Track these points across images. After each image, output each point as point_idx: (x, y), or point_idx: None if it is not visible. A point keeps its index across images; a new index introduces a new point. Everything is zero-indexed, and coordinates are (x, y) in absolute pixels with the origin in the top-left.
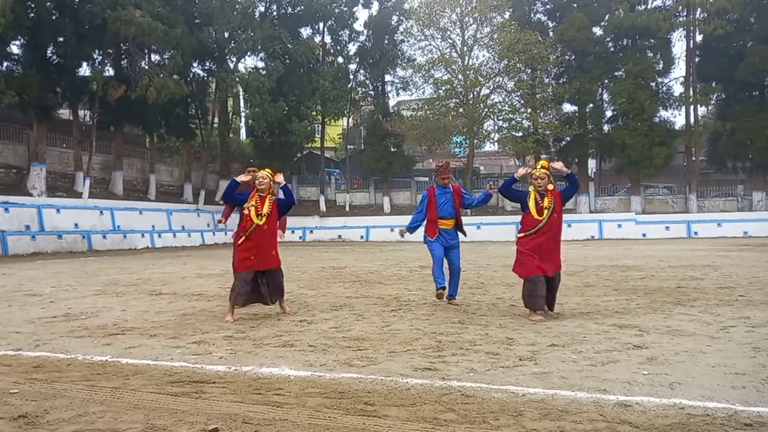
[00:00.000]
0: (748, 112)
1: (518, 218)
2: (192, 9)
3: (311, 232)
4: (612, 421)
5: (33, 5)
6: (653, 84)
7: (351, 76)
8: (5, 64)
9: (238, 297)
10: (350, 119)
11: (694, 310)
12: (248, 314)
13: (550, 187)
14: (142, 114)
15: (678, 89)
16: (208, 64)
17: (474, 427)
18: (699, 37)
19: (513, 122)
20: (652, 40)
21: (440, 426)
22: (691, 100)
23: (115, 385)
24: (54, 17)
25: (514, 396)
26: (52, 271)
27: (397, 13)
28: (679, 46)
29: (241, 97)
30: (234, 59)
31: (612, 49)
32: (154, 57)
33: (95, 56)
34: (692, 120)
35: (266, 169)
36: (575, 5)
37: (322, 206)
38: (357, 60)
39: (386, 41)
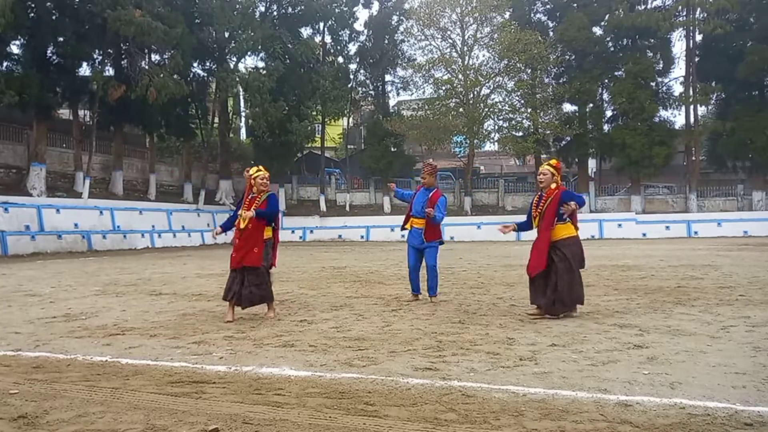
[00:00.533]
0: (747, 111)
1: (518, 218)
2: (192, 9)
3: (311, 232)
4: (613, 420)
5: (33, 5)
6: (653, 84)
7: (351, 76)
8: (5, 63)
9: (226, 292)
10: (350, 119)
11: (695, 310)
12: (248, 314)
13: (553, 186)
14: (142, 114)
15: (678, 89)
16: (208, 63)
17: (475, 427)
18: (699, 37)
19: (513, 122)
20: (652, 40)
21: (441, 426)
22: (690, 99)
23: (115, 386)
24: (54, 17)
25: (514, 396)
26: (51, 272)
27: (398, 13)
28: (678, 45)
29: (241, 96)
30: (234, 59)
31: (612, 48)
32: (155, 57)
33: (95, 56)
34: (692, 120)
35: (260, 167)
36: (575, 5)
37: (323, 206)
38: (357, 60)
39: (386, 41)
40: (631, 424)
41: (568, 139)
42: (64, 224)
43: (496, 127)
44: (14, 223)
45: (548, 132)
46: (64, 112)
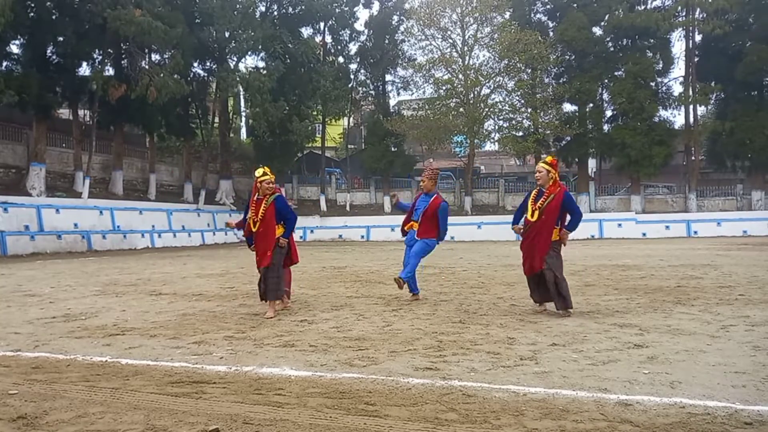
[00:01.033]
0: (747, 111)
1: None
2: (192, 8)
3: (312, 231)
4: (613, 420)
5: (33, 4)
6: (653, 84)
7: (352, 76)
8: (5, 63)
9: (260, 294)
10: (351, 119)
11: (694, 309)
12: (249, 314)
13: (551, 183)
14: (143, 113)
15: (677, 89)
16: (208, 63)
17: (475, 426)
18: (698, 37)
19: (513, 122)
20: (652, 40)
21: (441, 426)
22: (690, 99)
23: (115, 386)
24: (54, 16)
25: (515, 395)
26: (51, 272)
27: (398, 13)
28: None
29: (241, 96)
30: (234, 59)
31: (612, 48)
32: (155, 56)
33: (95, 56)
34: (692, 119)
35: (265, 169)
36: (575, 5)
37: (323, 206)
38: (358, 60)
39: (387, 41)
40: (631, 424)
41: (568, 138)
42: (63, 224)
43: (497, 126)
44: (14, 223)
45: (548, 132)
46: (64, 112)
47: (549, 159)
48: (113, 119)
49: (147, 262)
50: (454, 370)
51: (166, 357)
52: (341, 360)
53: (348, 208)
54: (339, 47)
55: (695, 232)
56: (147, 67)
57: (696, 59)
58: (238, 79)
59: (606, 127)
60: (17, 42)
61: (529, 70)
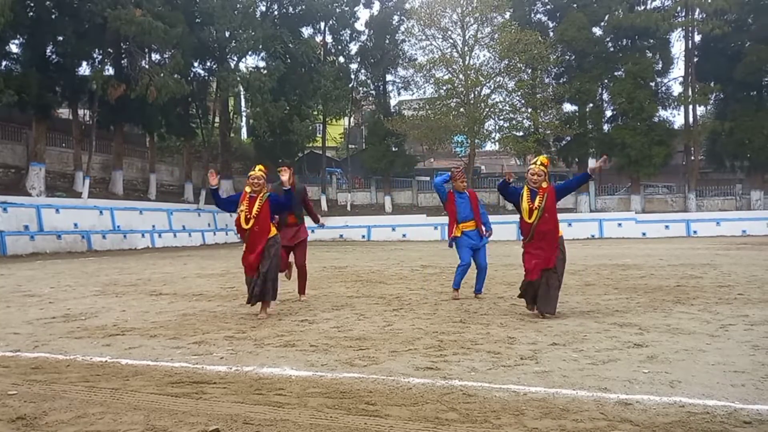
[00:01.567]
0: (746, 111)
1: (518, 217)
2: (193, 8)
3: (312, 231)
4: (613, 419)
5: (32, 4)
6: (652, 84)
7: (352, 76)
8: (4, 63)
9: (250, 299)
10: (351, 119)
11: (694, 309)
12: (249, 314)
13: (544, 185)
14: (143, 113)
15: (677, 89)
16: (208, 63)
17: (476, 426)
18: (698, 38)
19: (514, 122)
20: (651, 40)
21: (442, 425)
22: (690, 99)
23: (115, 386)
24: (54, 16)
25: (515, 395)
26: (51, 272)
27: (398, 13)
28: (677, 46)
29: (242, 96)
30: (235, 58)
31: (612, 49)
32: (155, 56)
33: (95, 55)
34: (691, 119)
35: (258, 166)
36: (575, 5)
37: (324, 206)
38: (358, 59)
39: (387, 41)
40: (631, 423)
41: (568, 138)
42: (63, 224)
43: (497, 126)
44: (13, 223)
45: (548, 132)
46: (64, 112)
47: (545, 160)
48: (113, 119)
49: (147, 262)
50: (454, 369)
51: (166, 357)
52: (342, 360)
53: (349, 207)
54: (339, 47)
55: (695, 232)
56: (147, 66)
57: (695, 59)
58: (238, 78)
59: (606, 127)
60: (17, 41)
61: (530, 70)
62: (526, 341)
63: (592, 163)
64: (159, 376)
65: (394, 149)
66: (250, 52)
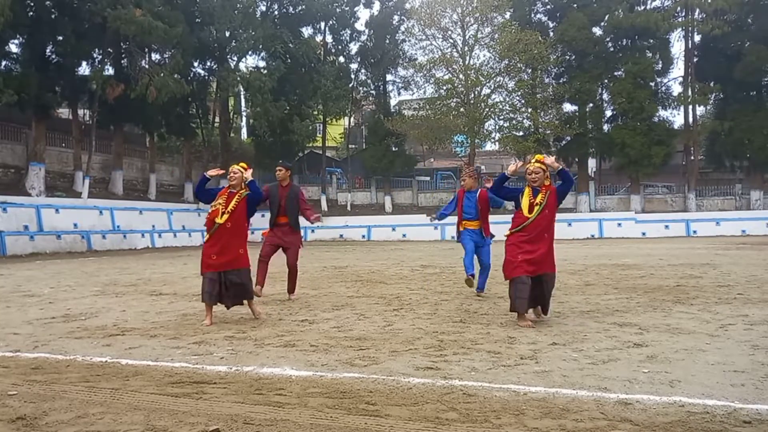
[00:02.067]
0: (745, 111)
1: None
2: (193, 8)
3: (312, 231)
4: (613, 419)
5: (32, 3)
6: (652, 84)
7: (352, 76)
8: (4, 62)
9: (206, 296)
10: (352, 119)
11: (694, 309)
12: (249, 314)
13: (547, 182)
14: (143, 113)
15: (677, 89)
16: (209, 63)
17: (476, 425)
18: (697, 38)
19: (514, 122)
20: (651, 40)
21: (442, 425)
22: (689, 99)
23: (115, 386)
24: (53, 16)
25: (515, 395)
26: (50, 272)
27: (399, 13)
28: (677, 46)
29: (242, 96)
30: (235, 58)
31: (611, 48)
32: (155, 56)
33: (95, 55)
34: (691, 119)
35: (241, 164)
36: (575, 5)
37: (324, 206)
38: (358, 59)
39: (387, 41)
40: (631, 422)
41: (568, 138)
42: (63, 224)
43: (497, 126)
44: (13, 223)
45: (548, 132)
46: (64, 112)
47: (540, 157)
48: (113, 119)
49: (147, 262)
50: (454, 369)
51: (166, 357)
52: (342, 360)
53: (349, 207)
54: (340, 47)
55: (694, 232)
56: (147, 66)
57: (695, 59)
58: (238, 78)
59: (606, 127)
60: (16, 41)
61: (530, 70)
62: (526, 341)
63: (592, 163)
64: (159, 376)
65: (394, 149)
66: (250, 52)
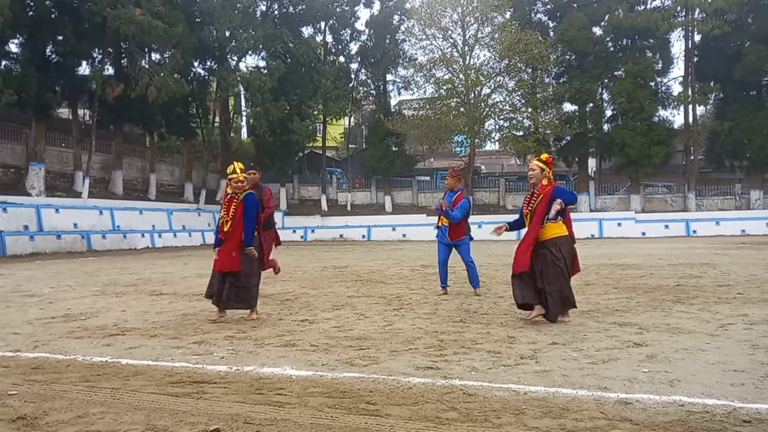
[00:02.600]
0: (745, 111)
1: (516, 217)
2: (193, 8)
3: (313, 231)
4: (613, 418)
5: (32, 3)
6: (652, 83)
7: (352, 76)
8: (4, 62)
9: (207, 290)
10: (352, 118)
11: (693, 308)
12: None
13: (545, 182)
14: (143, 113)
15: (677, 89)
16: (209, 63)
17: (476, 425)
18: (697, 37)
19: (514, 121)
20: (651, 40)
21: (442, 425)
22: (689, 99)
23: (115, 386)
24: (53, 15)
25: (515, 394)
26: (50, 272)
27: (399, 13)
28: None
29: (242, 96)
30: (235, 58)
31: (612, 48)
32: (155, 56)
33: (95, 55)
34: (691, 119)
35: (238, 164)
36: (575, 5)
37: (324, 206)
38: (358, 59)
39: (388, 41)
40: (630, 422)
41: (568, 138)
42: (63, 224)
43: (497, 126)
44: (13, 222)
45: (548, 131)
46: (64, 111)
47: (544, 156)
48: (113, 119)
49: (147, 262)
50: (454, 369)
51: (166, 357)
52: (342, 359)
53: (349, 207)
54: (340, 47)
55: (694, 232)
56: (147, 66)
57: (695, 59)
58: (238, 78)
59: (606, 127)
60: (16, 41)
61: (530, 70)
62: (526, 341)
63: (592, 162)
64: (159, 375)
65: (394, 149)
66: (250, 52)
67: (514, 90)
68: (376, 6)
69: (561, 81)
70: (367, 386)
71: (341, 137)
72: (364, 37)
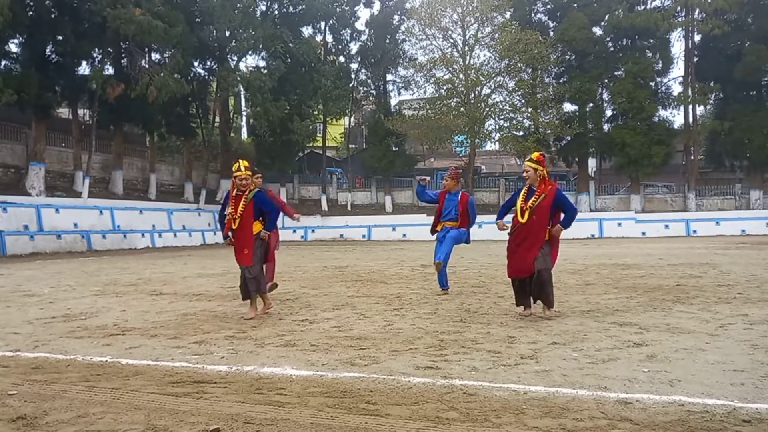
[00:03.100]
0: (745, 111)
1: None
2: (192, 7)
3: (313, 231)
4: (612, 418)
5: (32, 3)
6: (652, 83)
7: (353, 76)
8: (3, 62)
9: (240, 291)
10: (352, 118)
11: (693, 308)
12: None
13: (543, 182)
14: (143, 113)
15: (677, 89)
16: (209, 62)
17: (476, 425)
18: (697, 37)
19: (514, 121)
20: (651, 40)
21: (442, 424)
22: (689, 99)
23: (116, 386)
24: (53, 15)
25: (515, 394)
26: (50, 272)
27: (399, 13)
28: (677, 46)
29: (242, 96)
30: (235, 58)
31: (612, 48)
32: (155, 56)
33: (95, 55)
34: (691, 119)
35: (243, 162)
36: (575, 5)
37: (324, 205)
38: (358, 59)
39: (388, 41)
40: (630, 422)
41: (569, 138)
42: (63, 224)
43: (497, 126)
44: (13, 222)
45: (549, 131)
46: (64, 111)
47: (534, 156)
48: (113, 119)
49: (147, 262)
50: (455, 369)
51: (166, 357)
52: (342, 359)
53: (349, 207)
54: (340, 47)
55: (694, 231)
56: (147, 66)
57: (695, 59)
58: (238, 78)
59: (606, 127)
60: (16, 41)
61: (530, 70)
62: (526, 340)
63: (592, 162)
64: (159, 375)
65: (394, 149)
66: (250, 52)
67: (514, 90)
68: (376, 6)
69: (561, 81)
70: (368, 386)
71: (341, 137)
72: (364, 37)
